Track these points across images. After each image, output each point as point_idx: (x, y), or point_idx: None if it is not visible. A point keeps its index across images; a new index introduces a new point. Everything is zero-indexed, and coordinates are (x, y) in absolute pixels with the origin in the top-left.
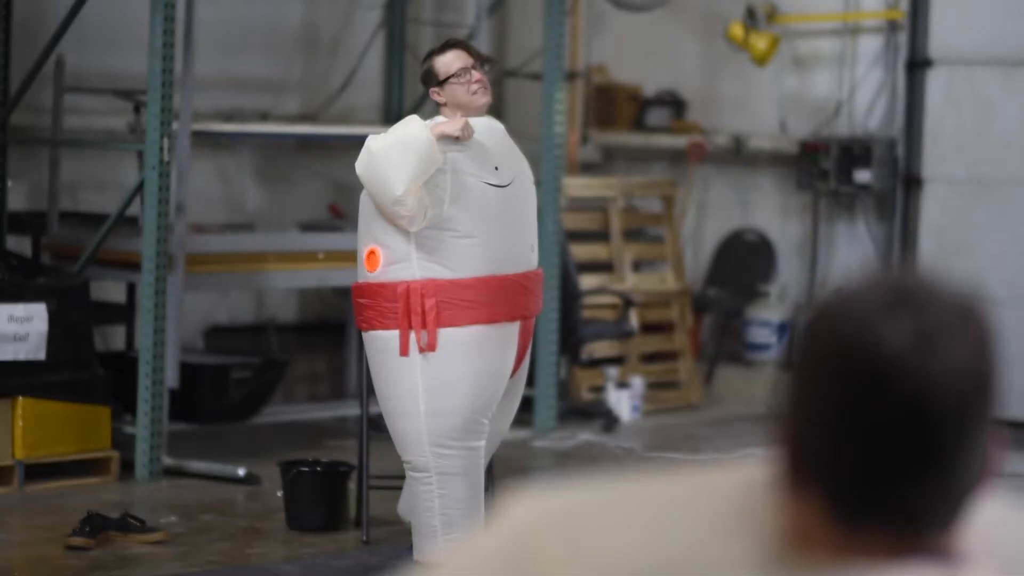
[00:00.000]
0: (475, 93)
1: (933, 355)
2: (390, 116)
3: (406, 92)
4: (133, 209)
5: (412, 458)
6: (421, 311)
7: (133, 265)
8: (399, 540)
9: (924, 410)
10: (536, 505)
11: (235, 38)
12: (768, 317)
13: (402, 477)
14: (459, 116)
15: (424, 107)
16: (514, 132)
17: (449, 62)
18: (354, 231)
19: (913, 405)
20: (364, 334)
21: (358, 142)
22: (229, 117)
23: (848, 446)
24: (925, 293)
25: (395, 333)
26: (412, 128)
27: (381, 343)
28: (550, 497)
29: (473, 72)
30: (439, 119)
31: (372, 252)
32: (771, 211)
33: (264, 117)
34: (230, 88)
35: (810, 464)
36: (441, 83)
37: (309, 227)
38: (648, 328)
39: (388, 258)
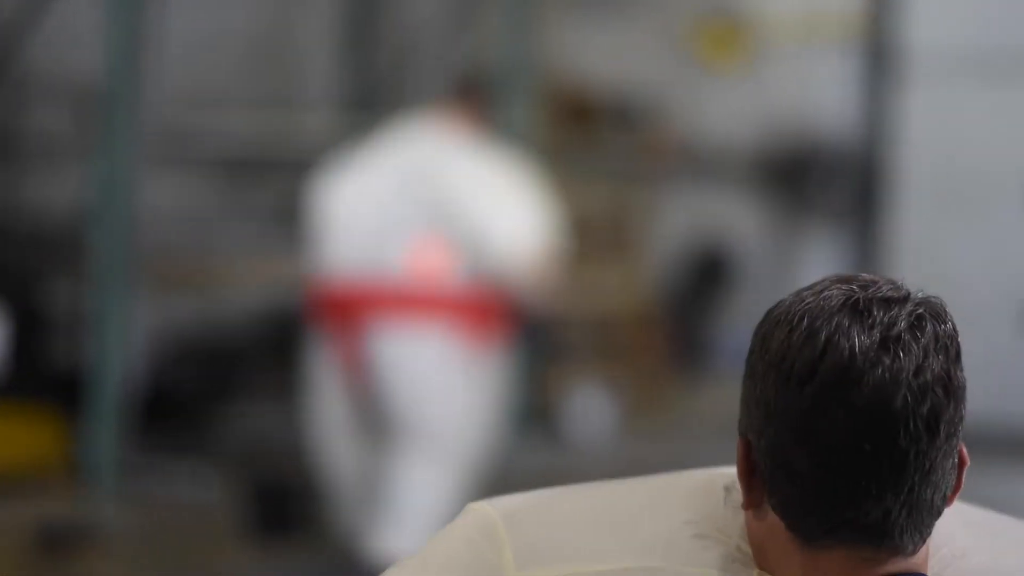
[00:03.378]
0: None
1: (895, 364)
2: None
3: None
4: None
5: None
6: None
7: (85, 279)
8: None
9: (885, 421)
10: (498, 505)
11: (190, 52)
12: (732, 330)
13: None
14: None
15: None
16: None
17: None
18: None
19: (874, 415)
20: (438, 339)
21: (309, 159)
22: (182, 132)
23: (806, 458)
24: (888, 301)
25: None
26: None
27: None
28: (512, 498)
29: None
30: None
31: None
32: (734, 222)
33: (216, 131)
34: (184, 103)
35: (767, 479)
36: None
37: (264, 243)
38: (613, 345)
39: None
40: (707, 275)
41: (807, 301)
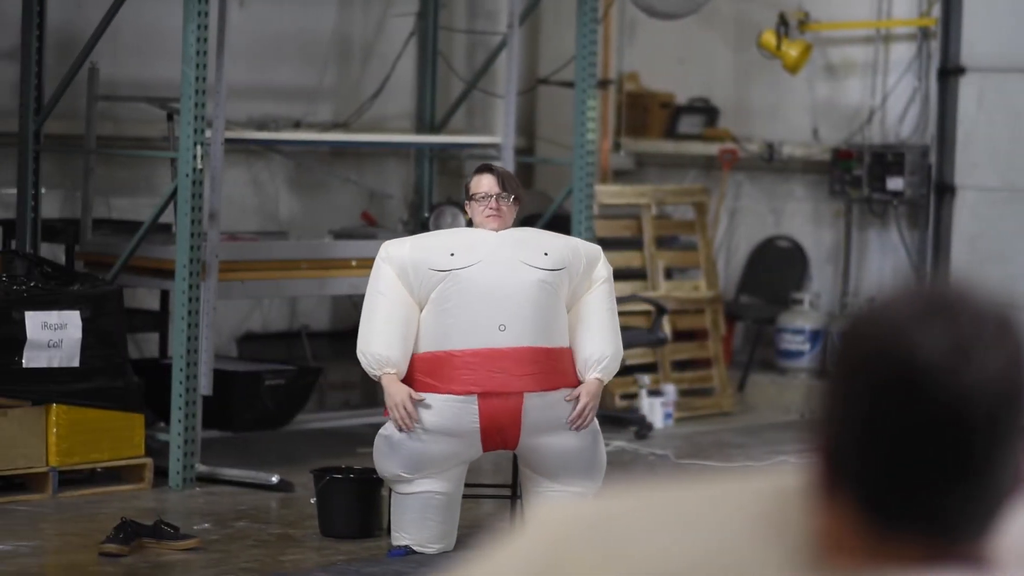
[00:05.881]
0: (487, 216)
1: (968, 365)
2: (422, 124)
3: (438, 100)
4: (166, 217)
5: None
6: None
7: (166, 272)
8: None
9: (958, 420)
10: (567, 512)
11: (268, 46)
12: (801, 324)
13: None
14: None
15: (455, 115)
16: (546, 140)
17: (477, 183)
18: (386, 238)
19: (947, 415)
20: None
21: (390, 150)
22: (262, 125)
23: (881, 454)
24: (961, 302)
25: None
26: None
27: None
28: (581, 504)
29: (491, 199)
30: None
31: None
32: (803, 218)
33: (297, 125)
34: (263, 96)
35: (843, 471)
36: (469, 198)
37: (342, 235)
38: (681, 335)
39: None
40: (776, 268)
41: (888, 305)
